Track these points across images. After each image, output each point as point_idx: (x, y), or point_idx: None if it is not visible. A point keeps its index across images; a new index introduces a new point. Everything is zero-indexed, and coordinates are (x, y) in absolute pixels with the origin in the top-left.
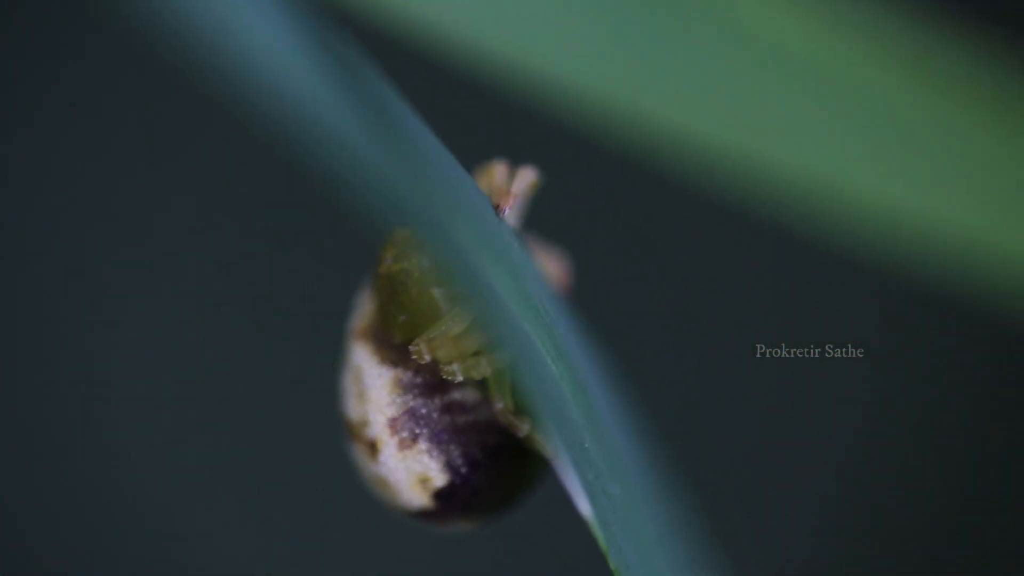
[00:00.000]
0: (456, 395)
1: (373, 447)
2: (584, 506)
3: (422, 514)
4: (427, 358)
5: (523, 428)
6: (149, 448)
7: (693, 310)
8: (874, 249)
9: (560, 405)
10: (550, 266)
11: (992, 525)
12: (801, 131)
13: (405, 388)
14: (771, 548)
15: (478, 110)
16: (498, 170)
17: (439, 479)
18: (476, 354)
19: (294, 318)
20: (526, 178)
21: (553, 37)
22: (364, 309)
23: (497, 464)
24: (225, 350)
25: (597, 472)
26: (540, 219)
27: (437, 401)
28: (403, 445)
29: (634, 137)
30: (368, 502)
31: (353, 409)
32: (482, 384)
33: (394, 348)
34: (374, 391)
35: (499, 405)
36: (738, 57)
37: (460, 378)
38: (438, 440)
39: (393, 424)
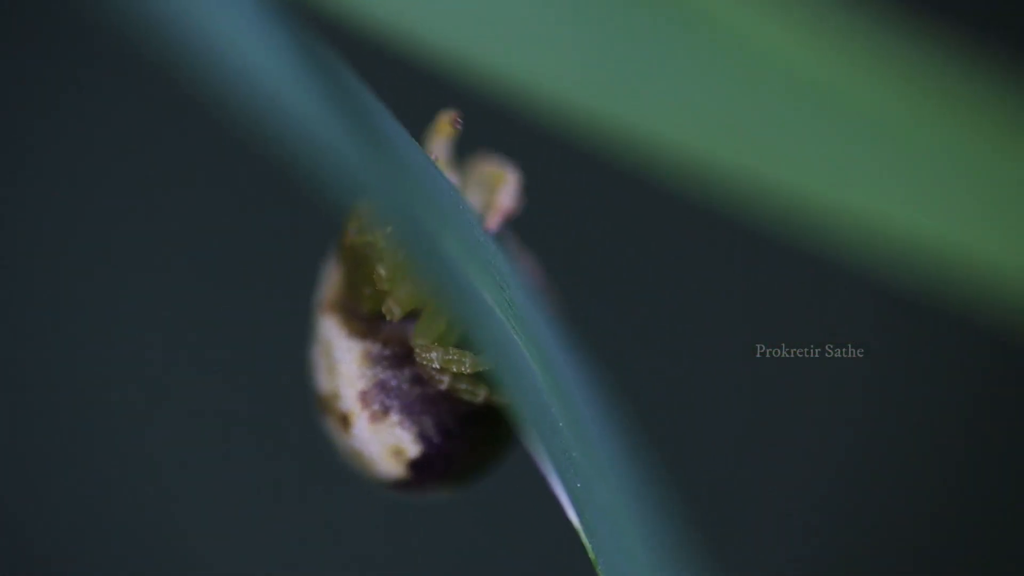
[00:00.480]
0: None
1: (345, 420)
2: (572, 515)
3: (398, 484)
4: (398, 315)
5: (480, 393)
6: (150, 447)
7: (693, 311)
8: (873, 253)
9: (545, 414)
10: (526, 264)
11: (992, 525)
12: (800, 138)
13: (374, 360)
14: (770, 548)
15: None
16: (484, 174)
17: (412, 449)
18: (446, 334)
19: (294, 317)
20: (511, 189)
21: (538, 41)
22: (330, 282)
23: (469, 431)
24: (225, 348)
25: (585, 480)
26: (543, 223)
27: (407, 372)
28: (375, 418)
29: (635, 142)
30: (368, 502)
31: (324, 383)
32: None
33: (362, 320)
34: (344, 364)
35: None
36: (738, 64)
37: (439, 365)
38: (409, 411)
39: (364, 397)
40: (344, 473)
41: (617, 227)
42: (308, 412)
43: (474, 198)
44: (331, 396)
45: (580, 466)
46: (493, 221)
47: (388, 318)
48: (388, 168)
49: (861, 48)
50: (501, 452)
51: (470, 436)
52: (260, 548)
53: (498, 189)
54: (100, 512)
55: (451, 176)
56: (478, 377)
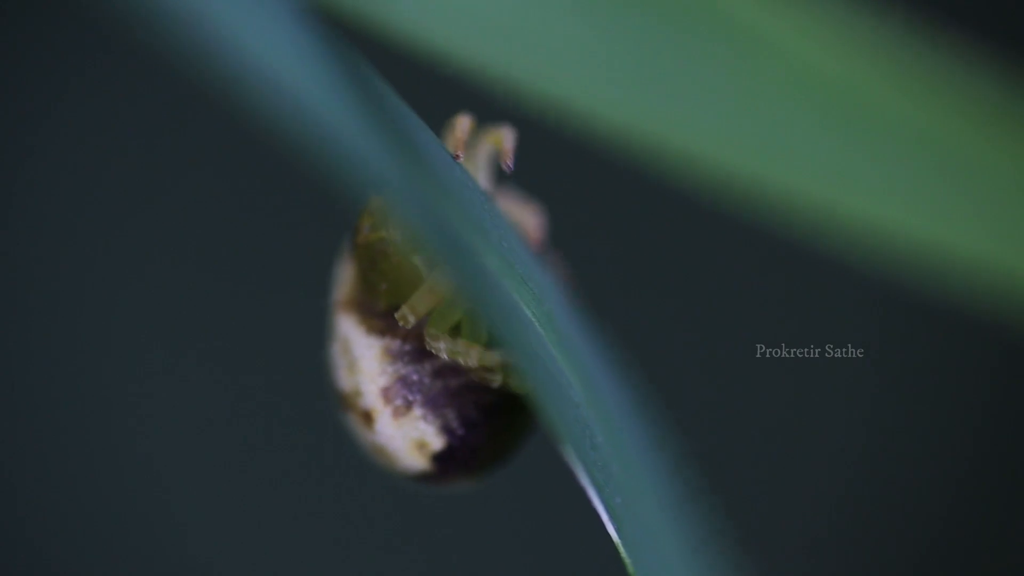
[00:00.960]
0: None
1: (368, 417)
2: (611, 530)
3: (422, 477)
4: (412, 322)
5: (496, 379)
6: (155, 449)
7: (693, 311)
8: (873, 253)
9: (584, 429)
10: (526, 221)
11: (994, 524)
12: (799, 137)
13: (395, 356)
14: (770, 550)
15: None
16: (482, 139)
17: (437, 443)
18: (461, 324)
19: (297, 315)
20: (509, 138)
21: (570, 53)
22: (344, 280)
23: (492, 421)
24: (226, 345)
25: (624, 495)
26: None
27: (428, 366)
28: (398, 413)
29: (632, 143)
30: (371, 501)
31: (344, 380)
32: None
33: (380, 317)
34: (364, 361)
35: (471, 361)
36: (739, 65)
37: (446, 357)
38: (432, 405)
39: (386, 393)
40: (355, 472)
41: (615, 227)
42: (319, 411)
43: (478, 165)
44: (352, 394)
45: (619, 481)
46: (508, 165)
47: (402, 324)
48: (424, 182)
49: (864, 43)
50: (523, 440)
51: (492, 426)
52: (260, 548)
53: (502, 141)
54: (99, 512)
55: (480, 176)
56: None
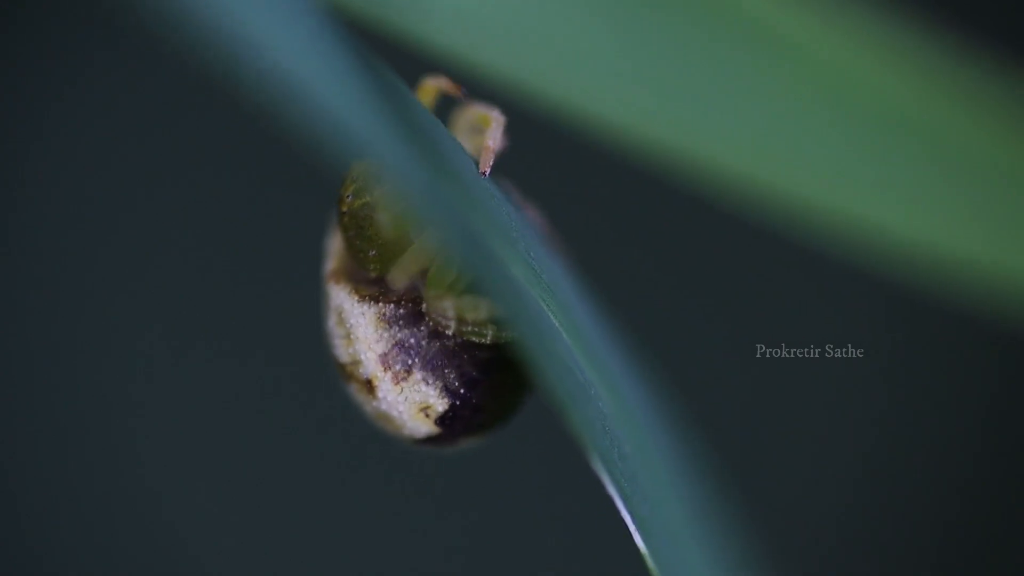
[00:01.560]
0: None
1: (369, 385)
2: (639, 540)
3: (429, 440)
4: (402, 284)
5: (507, 336)
6: (148, 446)
7: (693, 311)
8: (873, 252)
9: (613, 439)
10: (532, 217)
11: (995, 524)
12: (799, 138)
13: (389, 322)
14: (769, 549)
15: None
16: (472, 118)
17: (440, 404)
18: (456, 283)
19: (297, 315)
20: (497, 130)
21: (587, 60)
22: (334, 250)
23: (493, 377)
24: (226, 344)
25: (652, 505)
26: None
27: (423, 329)
28: (398, 378)
29: (633, 142)
30: (373, 500)
31: (343, 351)
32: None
33: (371, 284)
34: (360, 330)
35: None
36: (740, 60)
37: (452, 314)
38: (432, 367)
39: (384, 359)
40: (357, 471)
41: (614, 226)
42: (320, 410)
43: (465, 143)
44: (352, 363)
45: (646, 491)
46: (485, 164)
47: (391, 286)
48: (454, 193)
49: (872, 40)
50: (525, 394)
51: (493, 382)
52: (260, 547)
53: (485, 132)
54: (98, 511)
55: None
56: (486, 319)
